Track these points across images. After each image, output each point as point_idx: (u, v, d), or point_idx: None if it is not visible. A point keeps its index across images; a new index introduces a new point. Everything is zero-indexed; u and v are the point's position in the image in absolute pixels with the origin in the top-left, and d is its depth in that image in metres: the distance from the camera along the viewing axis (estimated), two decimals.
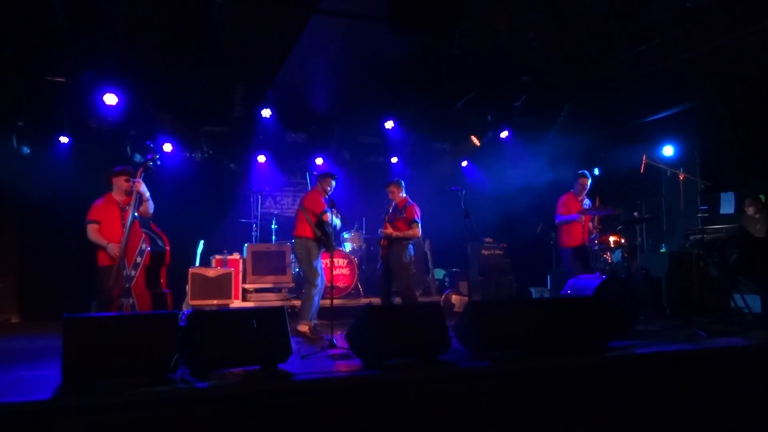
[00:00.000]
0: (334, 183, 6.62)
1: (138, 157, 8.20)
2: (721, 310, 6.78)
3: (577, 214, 7.03)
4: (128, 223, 5.13)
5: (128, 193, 5.39)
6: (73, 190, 7.61)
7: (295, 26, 6.44)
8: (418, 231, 6.62)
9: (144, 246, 5.11)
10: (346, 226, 8.71)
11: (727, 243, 6.99)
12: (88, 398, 3.42)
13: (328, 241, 6.34)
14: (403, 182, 6.86)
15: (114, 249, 5.13)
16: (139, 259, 5.08)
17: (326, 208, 6.29)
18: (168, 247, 5.39)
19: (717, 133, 8.35)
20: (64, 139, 8.21)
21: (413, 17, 5.38)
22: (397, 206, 6.75)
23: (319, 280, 6.32)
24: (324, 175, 6.62)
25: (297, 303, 7.81)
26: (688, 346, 5.09)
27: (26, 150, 8.17)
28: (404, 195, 6.79)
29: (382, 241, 6.77)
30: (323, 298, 6.37)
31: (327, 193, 6.50)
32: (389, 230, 6.61)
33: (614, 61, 7.38)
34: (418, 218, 6.59)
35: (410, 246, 6.64)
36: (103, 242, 5.21)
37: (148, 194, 5.35)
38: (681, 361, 4.79)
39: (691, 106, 8.38)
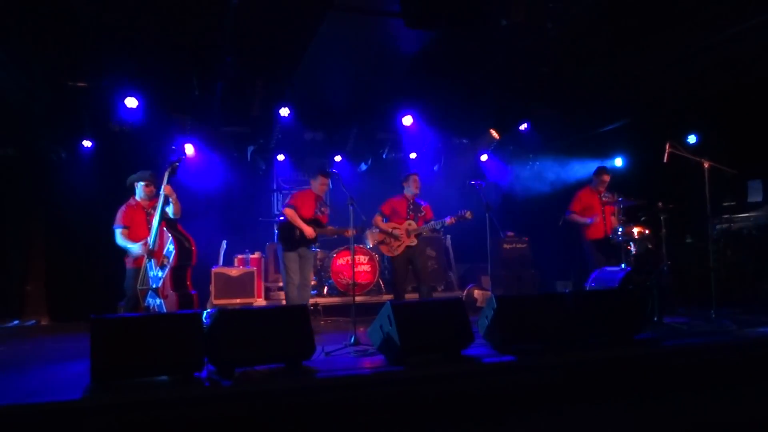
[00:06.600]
0: (323, 180, 6.48)
1: (160, 160, 8.29)
2: (749, 300, 6.65)
3: (591, 218, 7.14)
4: (155, 226, 5.19)
5: (151, 197, 5.47)
6: (98, 193, 7.78)
7: (311, 23, 6.44)
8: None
9: (171, 247, 5.16)
10: (367, 223, 8.72)
11: (755, 232, 6.85)
12: (116, 397, 3.47)
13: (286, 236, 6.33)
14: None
15: (141, 247, 5.21)
16: (166, 261, 5.13)
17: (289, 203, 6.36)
18: (194, 248, 5.43)
19: (742, 119, 8.15)
20: (87, 144, 8.34)
21: (428, 10, 5.34)
22: (418, 202, 6.84)
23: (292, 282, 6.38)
24: (317, 174, 6.53)
25: (320, 300, 7.85)
26: (716, 337, 5.01)
27: (52, 155, 8.30)
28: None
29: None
30: (344, 296, 6.36)
31: (318, 193, 6.45)
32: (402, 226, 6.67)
33: (636, 47, 7.24)
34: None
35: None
36: (131, 245, 5.31)
37: (175, 196, 5.40)
38: (710, 352, 4.71)
39: (714, 92, 8.19)
